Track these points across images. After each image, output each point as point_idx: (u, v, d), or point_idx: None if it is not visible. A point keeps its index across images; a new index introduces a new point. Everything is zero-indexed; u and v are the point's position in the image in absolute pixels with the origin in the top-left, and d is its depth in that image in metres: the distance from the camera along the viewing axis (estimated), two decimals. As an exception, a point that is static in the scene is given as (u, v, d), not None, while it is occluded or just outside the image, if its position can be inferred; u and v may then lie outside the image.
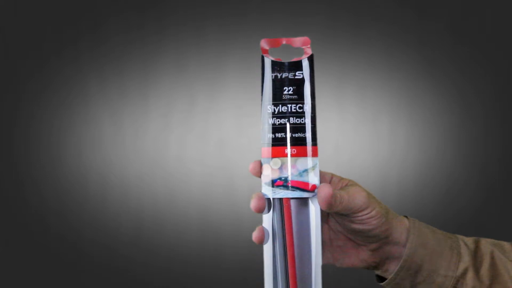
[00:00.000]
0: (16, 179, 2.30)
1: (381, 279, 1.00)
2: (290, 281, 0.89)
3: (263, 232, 0.91)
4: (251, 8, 2.21)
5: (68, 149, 2.30)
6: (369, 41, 2.26)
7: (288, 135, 0.91)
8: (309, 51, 0.91)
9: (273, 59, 0.91)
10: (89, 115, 2.29)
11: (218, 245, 2.29)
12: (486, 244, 0.99)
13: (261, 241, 0.91)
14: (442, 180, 2.26)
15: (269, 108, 0.91)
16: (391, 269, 0.97)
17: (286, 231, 0.90)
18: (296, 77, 0.91)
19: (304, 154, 0.90)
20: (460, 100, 2.26)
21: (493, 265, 0.98)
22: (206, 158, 2.29)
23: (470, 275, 0.96)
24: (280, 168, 0.91)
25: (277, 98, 0.91)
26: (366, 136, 2.25)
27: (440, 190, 2.27)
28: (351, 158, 2.26)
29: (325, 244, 0.96)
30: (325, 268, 0.92)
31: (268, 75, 0.91)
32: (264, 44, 0.92)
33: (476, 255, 0.98)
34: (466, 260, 0.97)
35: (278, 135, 0.91)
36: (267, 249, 0.91)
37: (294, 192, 0.90)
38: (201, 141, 2.29)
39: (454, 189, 2.26)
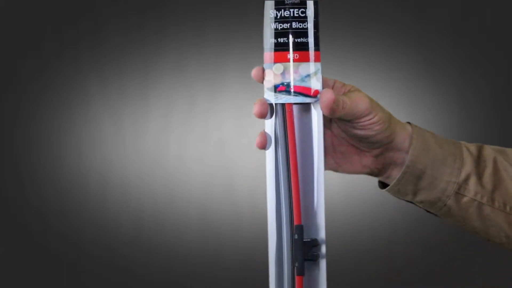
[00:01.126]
0: (16, 179, 2.30)
1: (384, 185, 0.99)
2: (292, 187, 0.88)
3: (266, 137, 0.91)
4: (251, 8, 2.21)
5: (68, 149, 2.30)
6: (369, 41, 2.26)
7: (291, 40, 0.90)
8: None
9: None
10: (89, 115, 2.29)
11: (218, 245, 2.29)
12: (489, 151, 0.98)
13: (263, 147, 0.91)
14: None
15: (271, 12, 0.90)
16: (394, 175, 0.96)
17: (289, 136, 0.90)
18: None
19: (307, 59, 0.90)
20: (460, 100, 2.26)
21: (496, 171, 0.97)
22: (206, 158, 2.29)
23: (472, 180, 0.96)
24: (283, 74, 0.90)
25: (280, 3, 0.90)
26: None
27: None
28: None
29: (328, 150, 0.95)
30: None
31: None
32: None
33: (479, 161, 0.97)
34: (468, 166, 0.96)
35: (281, 40, 0.90)
36: (270, 155, 0.91)
37: (297, 97, 0.90)
38: (201, 141, 2.29)
39: (454, 189, 2.26)
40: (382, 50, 2.26)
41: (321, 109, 0.90)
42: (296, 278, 0.88)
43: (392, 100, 2.24)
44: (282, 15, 0.90)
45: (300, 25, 0.90)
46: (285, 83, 0.90)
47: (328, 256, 0.90)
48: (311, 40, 0.90)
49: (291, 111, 0.90)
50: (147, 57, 2.29)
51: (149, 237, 2.29)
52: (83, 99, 2.29)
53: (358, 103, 0.91)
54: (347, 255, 2.26)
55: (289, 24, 0.90)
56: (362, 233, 2.28)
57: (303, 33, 0.90)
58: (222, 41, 2.28)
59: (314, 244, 0.89)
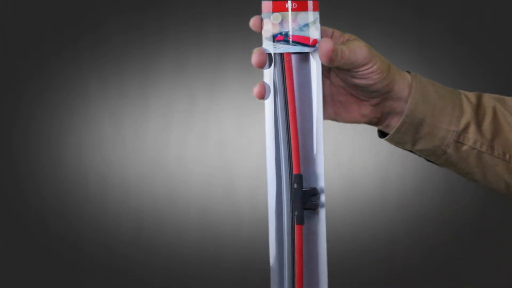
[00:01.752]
0: (16, 179, 2.30)
1: (383, 134, 0.99)
2: (291, 136, 0.88)
3: (264, 87, 0.90)
4: (251, 8, 2.20)
5: (68, 149, 2.30)
6: (369, 41, 2.26)
7: None
8: None
9: None
10: (89, 115, 2.29)
11: (218, 245, 2.29)
12: (489, 99, 0.98)
13: (262, 96, 0.90)
14: (442, 180, 2.26)
15: None
16: (393, 124, 0.96)
17: (287, 86, 0.89)
18: None
19: (305, 8, 0.89)
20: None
21: (495, 119, 0.97)
22: (206, 158, 2.29)
23: (472, 129, 0.96)
24: (281, 23, 0.89)
25: None
26: (366, 136, 2.25)
27: (440, 190, 2.27)
28: (351, 158, 2.26)
29: (326, 100, 0.95)
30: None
31: None
32: None
33: (478, 109, 0.97)
34: (468, 114, 0.96)
35: None
36: (268, 104, 0.90)
37: (295, 46, 0.89)
38: (201, 141, 2.29)
39: (454, 189, 2.26)
40: (382, 50, 2.25)
41: (320, 58, 0.89)
42: (296, 227, 0.88)
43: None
44: None
45: None
46: (284, 33, 0.89)
47: (327, 205, 0.89)
48: None
49: (290, 60, 0.90)
50: (147, 57, 2.29)
51: (149, 237, 2.29)
52: (83, 99, 2.29)
53: (356, 52, 0.90)
54: (347, 255, 2.26)
55: None
56: (362, 233, 2.28)
57: None
58: (222, 41, 2.28)
59: (314, 193, 0.89)
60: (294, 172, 0.88)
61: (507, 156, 0.97)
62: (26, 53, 2.29)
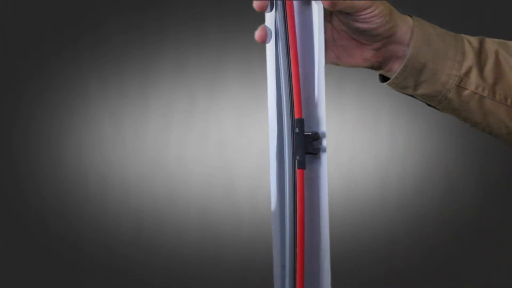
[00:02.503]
0: (16, 179, 2.30)
1: (385, 79, 0.99)
2: (293, 80, 0.88)
3: (266, 30, 0.90)
4: (251, 8, 2.20)
5: (68, 149, 2.30)
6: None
7: None
8: None
9: None
10: (89, 115, 2.29)
11: (218, 245, 2.29)
12: (491, 43, 0.98)
13: (264, 40, 0.90)
14: (442, 180, 2.26)
15: None
16: (395, 69, 0.96)
17: (289, 29, 0.89)
18: None
19: None
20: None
21: (497, 64, 0.96)
22: (206, 158, 2.29)
23: (474, 73, 0.95)
24: None
25: None
26: (366, 136, 2.25)
27: (440, 190, 2.27)
28: (351, 158, 2.26)
29: (328, 44, 0.94)
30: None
31: None
32: None
33: (480, 54, 0.97)
34: (470, 59, 0.96)
35: None
36: (270, 48, 0.90)
37: None
38: (201, 141, 2.29)
39: (454, 189, 2.26)
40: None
41: (322, 1, 0.89)
42: (297, 171, 0.87)
43: (393, 100, 2.24)
44: None
45: None
46: None
47: (327, 150, 0.89)
48: None
49: (291, 4, 0.89)
50: (147, 57, 2.29)
51: (149, 237, 2.29)
52: (83, 99, 2.29)
53: None
54: (347, 255, 2.26)
55: None
56: (362, 233, 2.28)
57: None
58: (222, 41, 2.28)
59: (315, 137, 0.88)
60: (296, 116, 0.88)
61: (509, 101, 0.97)
62: (26, 53, 2.29)
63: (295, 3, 0.90)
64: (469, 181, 2.26)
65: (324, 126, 0.89)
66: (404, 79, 0.95)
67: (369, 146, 2.26)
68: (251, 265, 2.24)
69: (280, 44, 0.89)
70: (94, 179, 2.29)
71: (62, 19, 2.29)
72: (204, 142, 2.29)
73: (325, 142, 0.88)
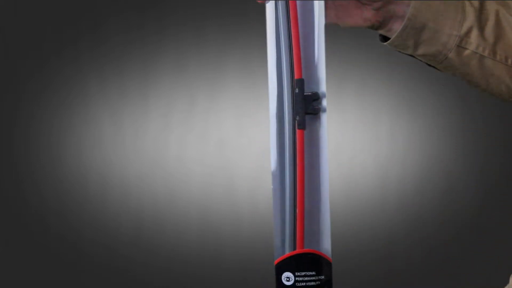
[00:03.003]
0: (16, 179, 2.30)
1: (385, 39, 0.99)
2: (293, 40, 0.87)
3: None
4: (251, 8, 2.21)
5: (68, 149, 2.30)
6: (370, 41, 2.26)
7: None
8: None
9: None
10: (89, 115, 2.29)
11: (218, 245, 2.29)
12: (492, 3, 0.97)
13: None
14: (442, 180, 2.26)
15: None
16: (395, 28, 0.96)
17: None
18: None
19: None
20: (460, 100, 2.26)
21: (498, 24, 0.96)
22: (206, 158, 2.29)
23: (474, 33, 0.95)
24: None
25: None
26: (366, 136, 2.25)
27: (440, 190, 2.27)
28: (351, 158, 2.26)
29: (328, 3, 0.95)
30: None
31: None
32: None
33: (481, 13, 0.96)
34: (470, 18, 0.95)
35: None
36: (270, 8, 0.89)
37: None
38: (201, 141, 2.29)
39: (454, 189, 2.26)
40: (382, 49, 2.26)
41: None
42: (297, 132, 0.87)
43: (393, 100, 2.24)
44: None
45: None
46: None
47: (327, 109, 0.88)
48: None
49: None
50: (147, 57, 2.29)
51: (149, 237, 2.29)
52: (83, 99, 2.29)
53: None
54: (347, 255, 2.26)
55: None
56: (362, 233, 2.28)
57: None
58: (222, 41, 2.28)
59: (315, 97, 0.88)
60: (296, 77, 0.87)
61: (509, 61, 0.97)
62: (26, 53, 2.29)
63: None
64: (469, 181, 2.26)
65: (324, 86, 0.88)
66: (404, 39, 0.95)
67: (369, 146, 2.26)
68: (251, 265, 2.24)
69: (279, 4, 0.88)
70: (94, 179, 2.29)
71: (62, 19, 2.29)
72: (204, 142, 2.29)
73: (325, 102, 0.88)
